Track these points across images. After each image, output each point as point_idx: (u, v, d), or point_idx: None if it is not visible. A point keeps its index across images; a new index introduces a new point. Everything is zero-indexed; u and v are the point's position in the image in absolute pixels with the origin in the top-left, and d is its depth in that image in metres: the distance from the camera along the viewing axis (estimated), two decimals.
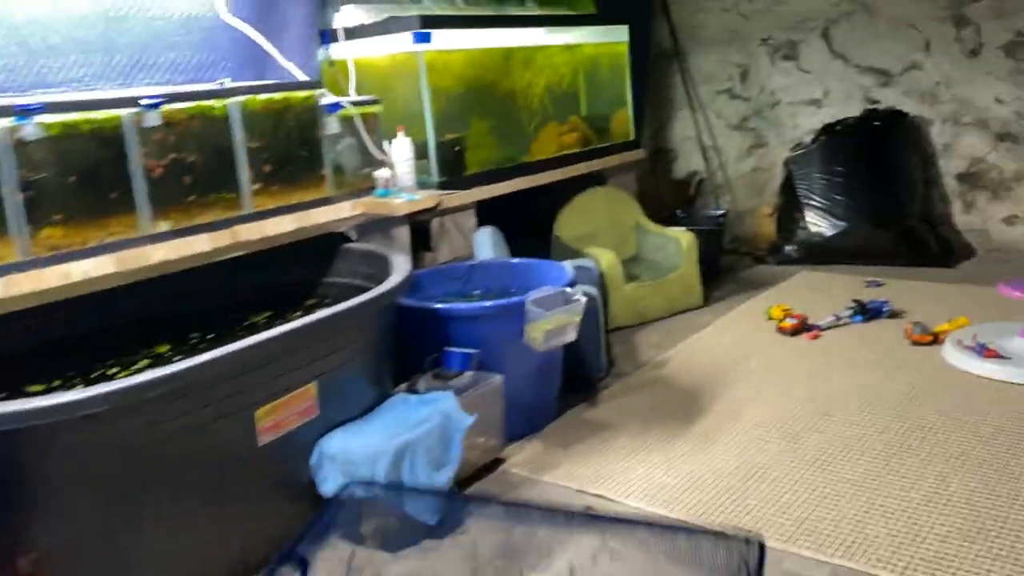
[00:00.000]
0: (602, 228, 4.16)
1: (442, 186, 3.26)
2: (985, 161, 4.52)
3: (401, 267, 2.52)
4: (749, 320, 3.76)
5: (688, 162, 5.54)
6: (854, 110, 4.81)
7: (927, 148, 4.67)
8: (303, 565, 1.41)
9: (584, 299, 2.67)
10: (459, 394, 2.42)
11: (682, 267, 3.92)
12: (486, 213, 3.57)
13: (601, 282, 3.64)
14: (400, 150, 2.89)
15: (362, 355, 2.34)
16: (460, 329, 2.63)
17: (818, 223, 4.49)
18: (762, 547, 1.15)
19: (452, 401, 2.34)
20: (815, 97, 4.98)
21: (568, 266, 2.96)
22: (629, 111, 4.38)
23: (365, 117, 2.90)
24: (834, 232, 4.43)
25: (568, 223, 4.04)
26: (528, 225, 4.27)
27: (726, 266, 4.68)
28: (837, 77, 4.87)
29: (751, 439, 2.60)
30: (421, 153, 3.29)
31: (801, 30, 4.91)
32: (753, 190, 5.32)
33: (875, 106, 4.75)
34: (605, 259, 3.71)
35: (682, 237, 3.96)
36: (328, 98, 2.75)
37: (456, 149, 3.34)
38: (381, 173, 2.88)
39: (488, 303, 2.65)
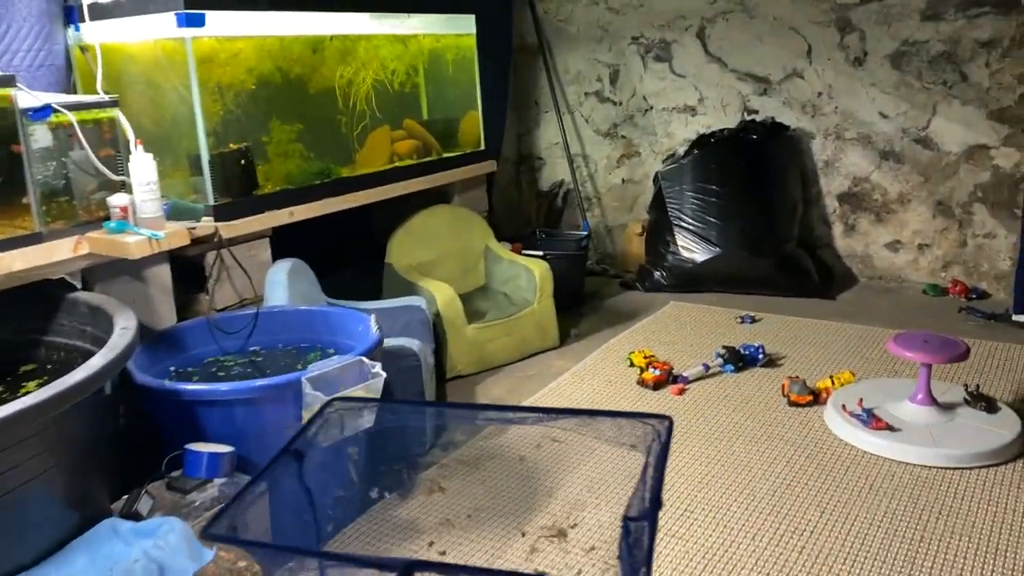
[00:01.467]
0: (445, 254, 3.55)
1: (221, 210, 2.57)
2: (868, 181, 4.14)
3: (119, 337, 1.83)
4: (610, 366, 3.22)
5: (555, 171, 4.98)
6: (731, 120, 4.36)
7: (808, 164, 4.25)
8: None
9: (383, 376, 2.05)
10: (198, 514, 1.76)
11: (535, 302, 3.34)
12: (294, 241, 2.90)
13: (435, 324, 3.03)
14: (140, 170, 2.17)
15: (49, 468, 1.65)
16: (211, 417, 1.97)
17: (690, 247, 4.00)
18: (671, 421, 1.28)
19: (180, 532, 1.68)
20: (690, 103, 4.50)
21: (372, 322, 2.33)
22: (479, 115, 3.77)
23: (93, 123, 2.18)
24: (707, 257, 3.96)
25: (402, 249, 3.41)
26: (359, 251, 3.62)
27: (591, 291, 4.15)
28: (713, 83, 4.40)
29: (582, 558, 2.03)
30: (195, 168, 2.59)
31: (675, 29, 4.42)
32: (623, 204, 4.81)
33: (753, 116, 4.31)
34: (441, 295, 3.10)
35: (536, 267, 3.39)
36: (30, 100, 2.02)
37: (242, 162, 2.65)
38: (116, 200, 2.16)
39: (246, 383, 1.99)
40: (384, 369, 2.25)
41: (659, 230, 4.16)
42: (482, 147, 3.78)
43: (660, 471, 1.18)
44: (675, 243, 4.04)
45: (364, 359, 2.07)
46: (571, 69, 4.78)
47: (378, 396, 2.06)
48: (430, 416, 2.45)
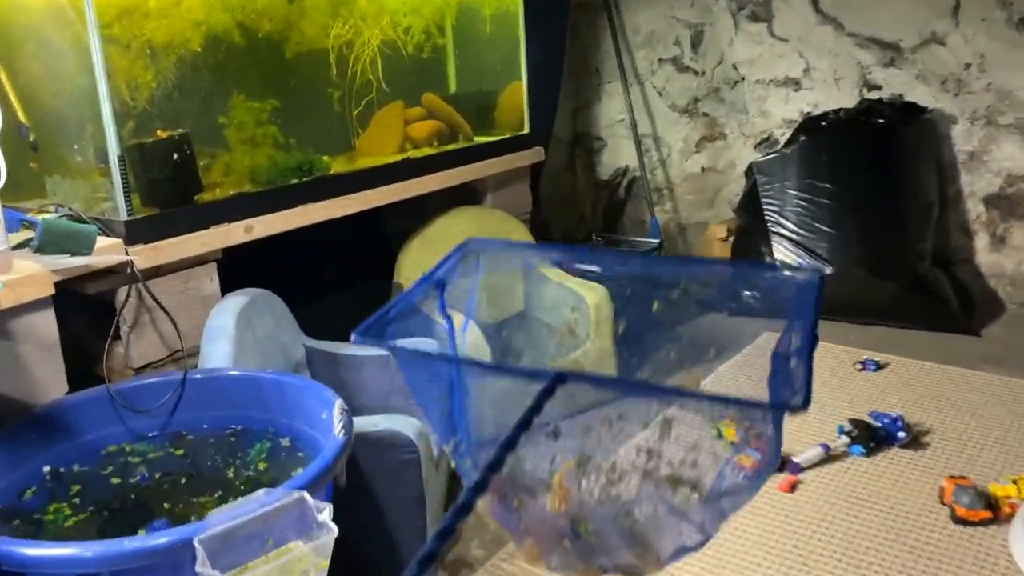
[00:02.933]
0: None
1: (137, 228, 1.79)
2: None
3: None
4: (689, 435, 2.38)
5: (618, 155, 4.11)
6: (846, 97, 3.43)
7: (945, 156, 3.31)
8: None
9: (335, 531, 1.25)
10: None
11: (589, 341, 2.52)
12: (262, 259, 2.12)
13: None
14: None
15: None
16: None
17: (792, 261, 3.11)
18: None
19: None
20: (792, 75, 3.57)
21: (337, 412, 1.53)
22: (524, 87, 2.92)
23: None
24: None
25: (416, 265, 2.60)
26: (362, 267, 2.82)
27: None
28: (824, 49, 3.47)
29: None
30: (102, 167, 1.81)
31: None
32: (702, 198, 3.93)
33: (875, 94, 3.37)
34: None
35: (590, 294, 2.55)
36: None
37: (176, 157, 1.86)
38: None
39: (95, 547, 1.20)
40: (367, 466, 1.62)
41: (751, 237, 3.27)
42: (526, 130, 2.93)
43: None
44: (772, 256, 3.15)
45: (307, 497, 1.27)
46: (642, 29, 3.88)
47: (327, 557, 1.27)
48: None
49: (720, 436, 2.24)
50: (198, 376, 1.75)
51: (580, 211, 4.11)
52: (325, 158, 2.26)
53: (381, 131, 2.48)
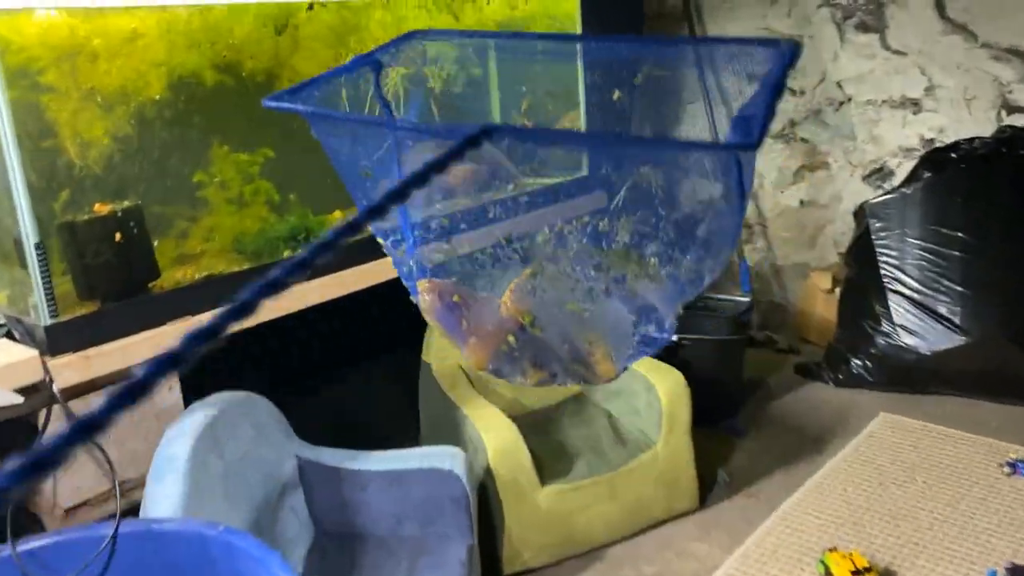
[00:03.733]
0: None
1: (62, 335, 1.39)
2: None
3: None
4: (788, 566, 1.87)
5: (702, 185, 3.58)
6: (981, 123, 2.84)
7: None
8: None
9: None
10: None
11: (659, 442, 2.02)
12: (253, 343, 1.71)
13: (484, 487, 1.79)
14: None
15: None
16: None
17: (914, 326, 2.55)
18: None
19: None
20: (911, 95, 2.99)
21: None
22: (582, 120, 2.44)
23: None
24: (944, 346, 2.49)
25: (446, 340, 2.15)
26: (382, 337, 2.40)
27: (749, 380, 2.77)
28: (951, 63, 2.88)
29: None
30: (13, 255, 1.42)
31: None
32: (800, 237, 3.37)
33: (1019, 119, 2.77)
34: (495, 440, 1.83)
35: (662, 382, 2.06)
36: None
37: (118, 237, 1.46)
38: None
39: None
40: None
41: (863, 293, 2.71)
42: (583, 171, 2.44)
43: None
44: (889, 318, 2.59)
45: None
46: None
47: None
48: None
49: (826, 572, 1.71)
50: (132, 530, 1.34)
51: None
52: (322, 219, 1.83)
53: None
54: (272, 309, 1.68)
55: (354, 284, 1.85)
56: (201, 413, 1.53)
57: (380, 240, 1.09)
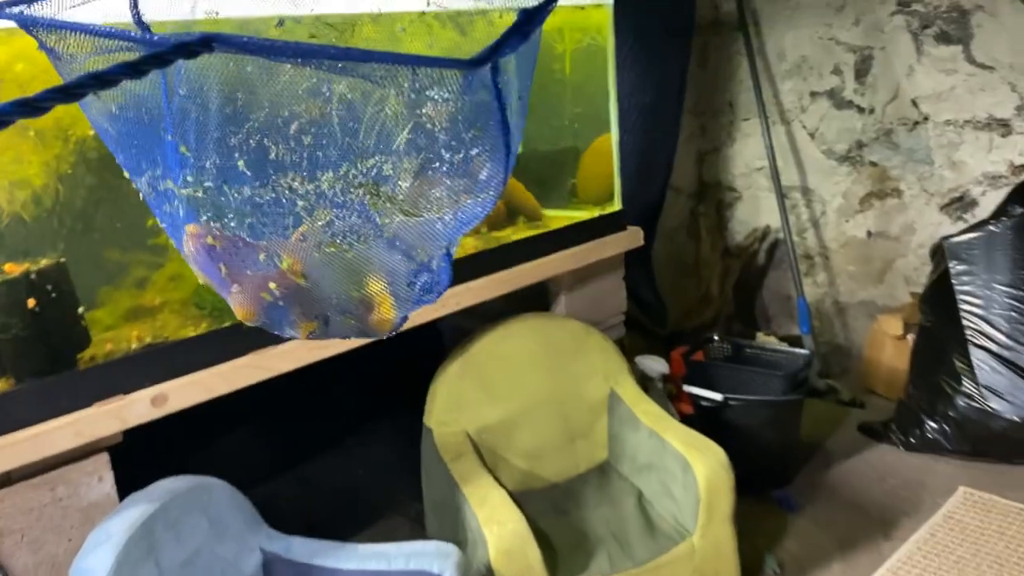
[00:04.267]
0: (531, 409, 1.96)
1: None
2: None
3: None
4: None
5: (756, 212, 3.25)
6: None
7: None
8: None
9: None
10: None
11: (695, 533, 1.71)
12: (214, 411, 1.46)
13: None
14: None
15: None
16: None
17: (1001, 387, 2.19)
18: None
19: None
20: (1000, 115, 2.63)
21: None
22: (613, 147, 2.13)
23: None
24: None
25: (451, 401, 1.87)
26: (376, 397, 2.14)
27: (807, 440, 2.43)
28: None
29: None
30: None
31: None
32: (867, 271, 3.02)
33: None
34: (497, 536, 1.55)
35: (700, 461, 1.74)
36: None
37: (37, 304, 1.21)
38: None
39: None
40: None
41: (941, 345, 2.35)
42: (616, 205, 2.14)
43: None
44: (972, 376, 2.23)
45: None
46: (789, 55, 3.02)
47: None
48: None
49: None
50: None
51: (703, 285, 3.27)
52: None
53: None
54: (245, 376, 1.43)
55: (341, 344, 1.59)
56: (136, 509, 1.28)
57: (136, 185, 0.83)
